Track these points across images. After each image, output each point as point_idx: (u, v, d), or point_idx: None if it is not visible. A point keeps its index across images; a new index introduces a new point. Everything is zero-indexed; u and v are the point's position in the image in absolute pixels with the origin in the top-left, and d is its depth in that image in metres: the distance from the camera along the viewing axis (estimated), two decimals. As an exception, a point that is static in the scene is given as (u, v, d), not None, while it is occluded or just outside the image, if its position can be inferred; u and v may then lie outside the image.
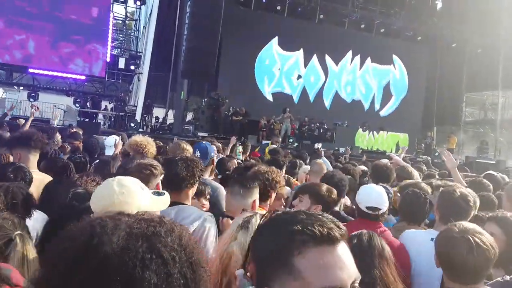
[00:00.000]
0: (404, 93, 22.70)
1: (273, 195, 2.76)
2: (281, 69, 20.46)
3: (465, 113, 23.11)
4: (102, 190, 1.44)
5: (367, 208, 2.52)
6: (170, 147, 4.16)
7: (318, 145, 8.24)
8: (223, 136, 12.79)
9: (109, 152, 4.63)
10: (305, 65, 20.89)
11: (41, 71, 13.35)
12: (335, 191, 2.82)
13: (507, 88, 20.46)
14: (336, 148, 14.48)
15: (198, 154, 3.43)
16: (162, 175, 2.25)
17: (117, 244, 0.70)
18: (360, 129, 17.41)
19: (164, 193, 1.53)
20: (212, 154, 3.52)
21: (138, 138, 3.70)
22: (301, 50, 20.62)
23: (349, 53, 21.58)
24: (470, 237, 1.64)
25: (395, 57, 22.31)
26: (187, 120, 15.69)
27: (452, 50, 22.34)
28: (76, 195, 1.88)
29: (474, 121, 22.96)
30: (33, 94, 12.88)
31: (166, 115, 18.00)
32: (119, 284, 0.67)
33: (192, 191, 2.36)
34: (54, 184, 2.71)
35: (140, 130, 13.85)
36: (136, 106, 14.18)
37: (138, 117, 13.70)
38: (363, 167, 5.88)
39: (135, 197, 1.39)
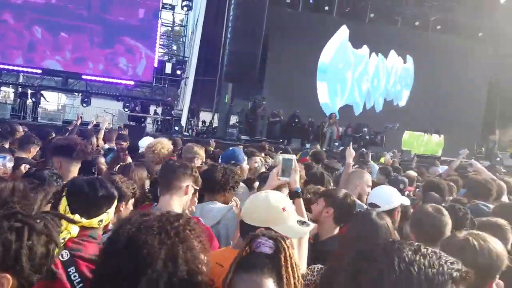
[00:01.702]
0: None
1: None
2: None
3: (533, 115, 21.06)
4: (257, 196, 1.68)
5: (369, 204, 2.57)
6: (183, 149, 4.14)
7: (364, 149, 7.81)
8: (263, 139, 12.67)
9: (143, 152, 4.75)
10: (356, 67, 20.21)
11: (94, 77, 14.08)
12: (353, 197, 2.70)
13: None
14: (393, 151, 13.78)
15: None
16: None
17: (128, 232, 1.12)
18: (412, 132, 16.53)
19: (309, 224, 1.66)
20: (241, 162, 3.37)
21: (153, 141, 3.90)
22: (360, 50, 19.96)
23: (402, 52, 20.57)
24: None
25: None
26: (231, 123, 15.77)
27: (518, 47, 20.48)
28: None
29: (544, 123, 20.85)
30: (86, 100, 13.62)
31: (213, 118, 18.25)
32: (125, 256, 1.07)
33: (227, 196, 2.63)
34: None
35: (185, 133, 14.14)
36: (182, 110, 14.48)
37: (183, 121, 13.98)
38: (413, 173, 5.44)
39: (287, 217, 1.57)
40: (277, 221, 1.53)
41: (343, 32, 19.57)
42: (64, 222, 1.31)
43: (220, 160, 3.64)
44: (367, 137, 15.94)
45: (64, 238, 1.40)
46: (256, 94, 16.59)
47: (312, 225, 1.70)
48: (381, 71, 20.50)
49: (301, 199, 2.22)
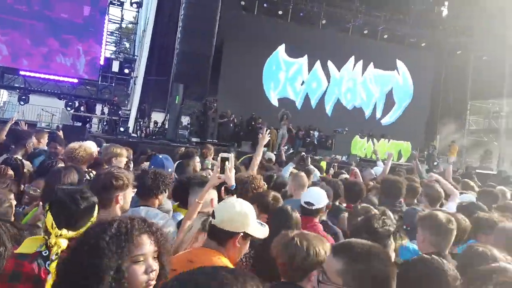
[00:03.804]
0: (408, 100, 22.30)
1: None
2: (286, 75, 20.27)
3: (469, 122, 22.62)
4: (226, 204, 1.89)
5: (304, 202, 2.96)
6: (102, 150, 4.01)
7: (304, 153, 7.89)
8: (214, 142, 12.56)
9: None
10: (309, 71, 20.65)
11: (32, 74, 13.25)
12: (280, 199, 2.96)
13: (511, 96, 19.99)
14: (333, 156, 14.14)
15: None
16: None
17: None
18: (357, 136, 17.08)
19: (265, 225, 1.91)
20: (170, 169, 3.28)
21: (72, 144, 3.68)
22: (306, 56, 20.41)
23: (352, 59, 21.29)
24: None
25: (399, 62, 21.95)
26: (183, 125, 15.48)
27: (457, 58, 21.92)
28: None
29: (478, 129, 22.46)
30: (23, 97, 12.78)
31: (165, 119, 17.83)
32: None
33: (159, 199, 2.70)
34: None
35: (134, 135, 13.70)
36: (130, 111, 14.00)
37: (131, 121, 13.51)
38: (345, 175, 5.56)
39: (249, 220, 1.82)
40: (249, 225, 1.82)
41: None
42: (53, 238, 1.64)
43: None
44: (316, 141, 16.26)
45: (57, 254, 1.61)
46: (209, 96, 16.45)
47: (267, 226, 1.93)
48: (330, 75, 20.99)
49: (235, 196, 2.43)
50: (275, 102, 19.93)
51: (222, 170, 2.38)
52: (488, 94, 21.11)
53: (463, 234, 2.84)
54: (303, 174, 4.18)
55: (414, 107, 21.99)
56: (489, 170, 14.77)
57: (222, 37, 17.18)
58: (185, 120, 15.86)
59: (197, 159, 5.24)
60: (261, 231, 1.88)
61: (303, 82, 20.57)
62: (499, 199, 4.68)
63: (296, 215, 2.49)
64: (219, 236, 1.80)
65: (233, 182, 2.44)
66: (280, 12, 19.93)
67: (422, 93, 22.22)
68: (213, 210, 1.89)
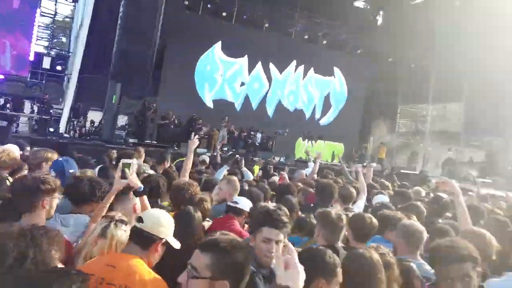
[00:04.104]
0: (343, 104, 23.36)
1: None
2: (223, 76, 20.28)
3: (399, 125, 24.30)
4: (153, 211, 2.11)
5: (231, 202, 3.36)
6: (30, 155, 3.87)
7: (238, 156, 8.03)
8: (152, 143, 12.33)
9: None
10: (249, 73, 20.90)
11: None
12: (208, 199, 3.20)
13: (436, 101, 21.84)
14: (273, 157, 14.51)
15: (53, 174, 3.12)
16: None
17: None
18: (300, 138, 17.66)
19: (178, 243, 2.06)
20: (72, 171, 3.22)
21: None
22: (246, 57, 20.61)
23: (294, 63, 21.90)
24: None
25: (336, 69, 22.99)
26: (120, 125, 14.96)
27: (389, 65, 23.40)
28: None
29: (406, 132, 24.20)
30: None
31: (103, 119, 17.12)
32: None
33: (93, 206, 2.64)
34: None
35: (66, 135, 13.04)
36: (63, 109, 13.26)
37: (63, 121, 12.81)
38: (275, 178, 5.78)
39: (171, 229, 2.04)
40: (169, 234, 2.01)
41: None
42: None
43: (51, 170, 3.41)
44: (257, 143, 16.53)
45: None
46: (151, 96, 16.05)
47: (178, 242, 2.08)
48: (271, 77, 21.40)
49: (145, 196, 2.61)
50: (210, 104, 19.79)
51: (124, 175, 2.46)
52: (415, 99, 22.88)
53: (370, 231, 3.12)
54: (236, 178, 4.32)
55: (349, 110, 23.15)
56: (413, 171, 16.00)
57: (165, 36, 16.87)
58: (123, 120, 15.34)
59: (135, 160, 5.13)
60: (176, 242, 2.05)
61: (242, 83, 20.73)
62: (412, 199, 5.14)
63: (199, 215, 2.69)
64: (144, 240, 1.93)
65: (139, 184, 2.56)
66: (224, 14, 19.97)
67: (357, 97, 23.45)
68: (139, 216, 2.00)
